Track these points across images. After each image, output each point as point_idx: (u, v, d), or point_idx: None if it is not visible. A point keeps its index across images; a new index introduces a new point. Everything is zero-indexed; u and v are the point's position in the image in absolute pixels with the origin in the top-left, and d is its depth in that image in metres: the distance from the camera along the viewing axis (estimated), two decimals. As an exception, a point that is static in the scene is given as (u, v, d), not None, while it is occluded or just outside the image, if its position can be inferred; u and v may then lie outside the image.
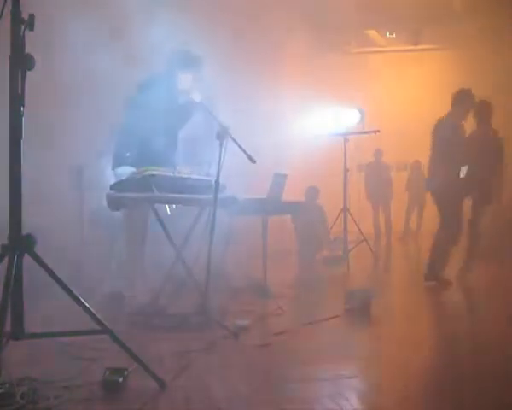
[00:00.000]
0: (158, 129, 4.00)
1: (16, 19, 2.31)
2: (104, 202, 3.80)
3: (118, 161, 4.14)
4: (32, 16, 2.32)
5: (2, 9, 2.30)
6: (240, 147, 3.86)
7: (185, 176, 3.92)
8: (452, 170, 5.37)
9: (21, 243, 2.34)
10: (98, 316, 2.48)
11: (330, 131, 8.18)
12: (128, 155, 4.07)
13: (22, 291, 2.37)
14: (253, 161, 3.81)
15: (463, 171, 5.43)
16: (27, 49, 2.33)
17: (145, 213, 3.98)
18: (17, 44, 2.31)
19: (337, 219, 7.81)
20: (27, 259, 2.37)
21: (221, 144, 3.77)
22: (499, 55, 11.07)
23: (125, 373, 2.47)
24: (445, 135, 5.25)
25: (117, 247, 4.55)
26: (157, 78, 4.18)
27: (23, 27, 2.31)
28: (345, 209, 7.57)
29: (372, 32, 12.78)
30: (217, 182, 3.71)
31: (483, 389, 2.63)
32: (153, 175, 3.64)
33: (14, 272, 2.29)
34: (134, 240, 4.06)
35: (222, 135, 3.78)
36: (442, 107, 5.60)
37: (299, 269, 7.56)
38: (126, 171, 4.03)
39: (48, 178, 5.20)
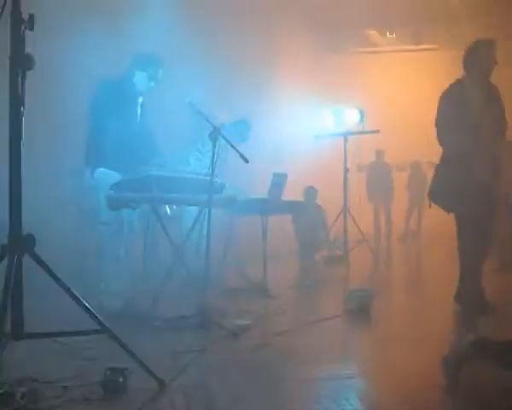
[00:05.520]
0: (124, 128, 4.01)
1: (16, 19, 2.31)
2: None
3: (94, 165, 4.13)
4: (32, 16, 2.32)
5: (3, 9, 2.30)
6: (233, 146, 3.86)
7: (185, 176, 3.92)
8: None
9: (21, 243, 2.34)
10: (98, 316, 2.48)
11: (330, 131, 8.18)
12: (103, 156, 4.06)
13: (22, 291, 2.37)
14: (245, 160, 3.81)
15: None
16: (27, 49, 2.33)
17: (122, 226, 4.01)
18: (17, 44, 2.31)
19: (337, 219, 7.80)
20: (27, 259, 2.38)
21: (214, 144, 3.78)
22: (499, 56, 11.06)
23: (125, 373, 2.47)
24: None
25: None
26: (117, 78, 4.20)
27: (23, 27, 2.31)
28: (345, 209, 7.56)
29: (372, 32, 12.79)
30: (211, 181, 3.71)
31: (484, 389, 2.63)
32: (153, 175, 3.64)
33: (14, 272, 2.29)
34: (112, 244, 4.06)
35: (214, 135, 3.78)
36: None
37: (299, 269, 7.56)
38: (105, 174, 4.03)
39: (48, 178, 5.20)
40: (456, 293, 4.30)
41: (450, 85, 4.28)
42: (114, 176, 3.95)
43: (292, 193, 6.18)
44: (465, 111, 4.08)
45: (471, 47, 4.26)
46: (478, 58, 4.19)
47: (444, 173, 4.26)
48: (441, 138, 4.23)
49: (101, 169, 4.07)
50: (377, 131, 7.52)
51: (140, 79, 4.18)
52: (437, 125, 4.24)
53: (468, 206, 4.11)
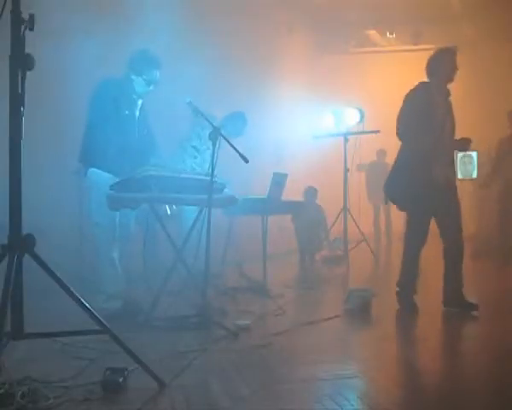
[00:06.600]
0: (121, 130, 3.99)
1: (16, 19, 2.31)
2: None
3: (87, 164, 4.11)
4: (32, 16, 2.32)
5: (3, 9, 2.30)
6: (232, 146, 3.86)
7: (185, 176, 3.92)
8: None
9: (21, 243, 2.34)
10: (98, 316, 2.48)
11: (330, 131, 8.18)
12: (97, 156, 4.04)
13: (22, 291, 2.37)
14: (245, 160, 3.81)
15: None
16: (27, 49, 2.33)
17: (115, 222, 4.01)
18: (17, 44, 2.31)
19: (337, 218, 7.80)
20: (27, 259, 2.37)
21: (214, 144, 3.78)
22: (498, 56, 11.08)
23: (125, 373, 2.47)
24: None
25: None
26: (117, 79, 4.17)
27: (23, 27, 2.31)
28: (345, 209, 7.57)
29: (372, 32, 12.77)
30: (211, 181, 3.71)
31: (482, 389, 2.64)
32: (152, 175, 3.64)
33: (14, 272, 2.29)
34: (105, 245, 4.05)
35: (214, 135, 3.78)
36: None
37: (299, 269, 7.56)
38: (97, 174, 4.01)
39: (48, 178, 5.20)
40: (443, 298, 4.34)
41: (416, 86, 4.37)
42: (107, 177, 3.94)
43: (292, 193, 6.18)
44: (430, 112, 4.21)
45: (434, 54, 4.54)
46: (441, 65, 4.43)
47: (401, 172, 4.31)
48: (402, 135, 4.30)
49: (94, 169, 4.05)
50: (377, 131, 7.52)
51: (137, 83, 4.14)
52: (400, 122, 4.30)
53: (423, 204, 4.20)
